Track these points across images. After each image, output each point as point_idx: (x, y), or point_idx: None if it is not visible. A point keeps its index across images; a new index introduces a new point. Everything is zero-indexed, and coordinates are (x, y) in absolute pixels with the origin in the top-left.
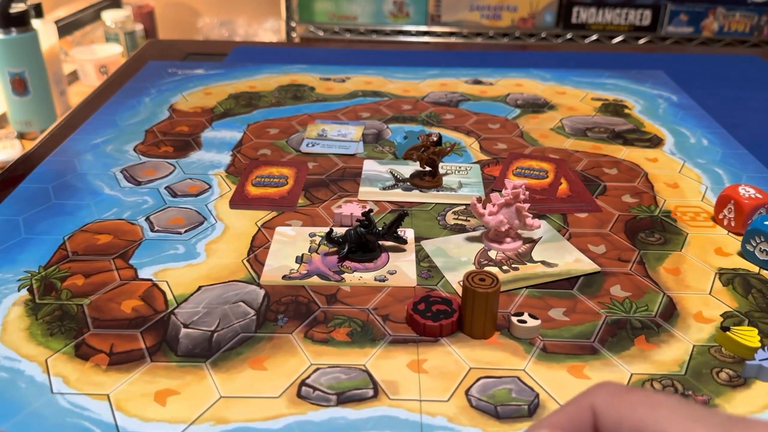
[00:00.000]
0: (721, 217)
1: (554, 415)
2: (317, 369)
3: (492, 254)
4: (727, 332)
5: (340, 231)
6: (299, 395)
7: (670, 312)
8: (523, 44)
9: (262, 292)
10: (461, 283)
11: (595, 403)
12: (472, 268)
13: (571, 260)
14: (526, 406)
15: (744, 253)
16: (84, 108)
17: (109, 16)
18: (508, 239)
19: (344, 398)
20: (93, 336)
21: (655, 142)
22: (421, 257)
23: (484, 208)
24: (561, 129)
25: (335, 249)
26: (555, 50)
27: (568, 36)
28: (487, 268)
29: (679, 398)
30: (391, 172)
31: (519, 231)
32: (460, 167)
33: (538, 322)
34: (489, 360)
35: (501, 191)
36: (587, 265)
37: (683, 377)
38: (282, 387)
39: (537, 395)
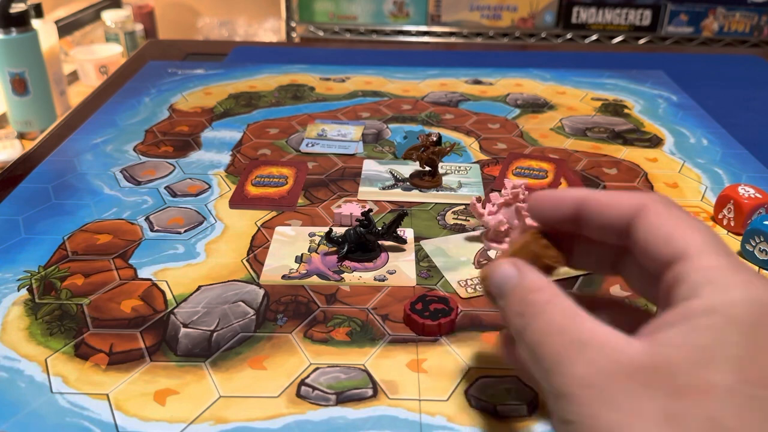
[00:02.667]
0: (720, 217)
1: (596, 192)
2: (317, 368)
3: (492, 254)
4: None
5: (339, 231)
6: (298, 395)
7: None
8: (523, 44)
9: (261, 291)
10: (466, 289)
11: (646, 203)
12: (472, 268)
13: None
14: (526, 405)
15: (743, 253)
16: (84, 108)
17: (109, 16)
18: (508, 239)
19: (343, 398)
20: (93, 336)
21: (655, 142)
22: (421, 257)
23: (484, 208)
24: (561, 129)
25: (335, 249)
26: (555, 50)
27: (568, 36)
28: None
29: (715, 233)
30: (391, 172)
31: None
32: (459, 167)
33: None
34: (488, 359)
35: (501, 191)
36: None
37: None
38: (281, 386)
39: (536, 395)
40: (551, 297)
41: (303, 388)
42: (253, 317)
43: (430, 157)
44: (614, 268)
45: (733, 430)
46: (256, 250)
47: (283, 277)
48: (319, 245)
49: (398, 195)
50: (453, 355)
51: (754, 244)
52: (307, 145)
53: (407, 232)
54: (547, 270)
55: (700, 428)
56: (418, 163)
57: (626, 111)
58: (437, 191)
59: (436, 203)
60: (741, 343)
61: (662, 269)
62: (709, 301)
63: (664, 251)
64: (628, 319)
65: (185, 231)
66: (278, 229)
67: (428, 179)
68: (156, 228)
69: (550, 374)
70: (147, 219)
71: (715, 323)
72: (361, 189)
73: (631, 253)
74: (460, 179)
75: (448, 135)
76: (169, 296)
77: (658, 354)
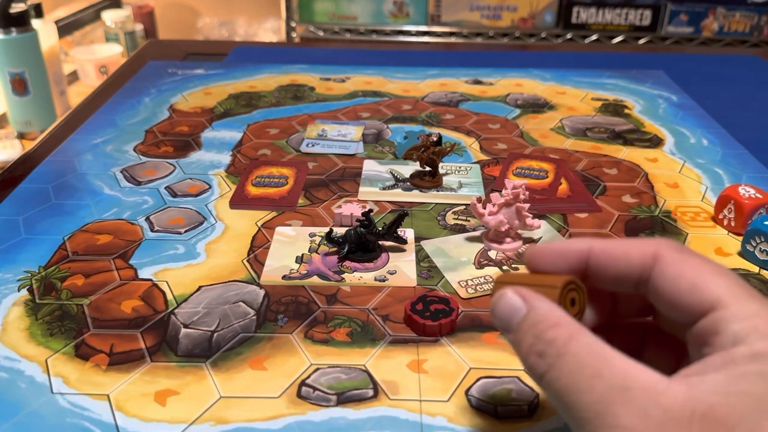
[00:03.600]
0: (721, 217)
1: (602, 241)
2: (317, 369)
3: (492, 254)
4: None
5: (340, 231)
6: (299, 395)
7: None
8: (523, 44)
9: (262, 292)
10: (467, 289)
11: (660, 252)
12: (472, 268)
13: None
14: (526, 406)
15: (744, 254)
16: (84, 108)
17: (109, 16)
18: (508, 239)
19: (344, 398)
20: (93, 336)
21: (655, 142)
22: (421, 257)
23: (484, 208)
24: (561, 129)
25: (335, 249)
26: (555, 50)
27: (568, 36)
28: (487, 269)
29: (737, 276)
30: (391, 172)
31: (519, 231)
32: (460, 167)
33: None
34: (489, 360)
35: (501, 191)
36: None
37: None
38: (282, 387)
39: (537, 395)
40: (573, 333)
41: (304, 388)
42: (254, 318)
43: (430, 157)
44: (640, 313)
45: None
46: (257, 250)
47: (284, 277)
48: (319, 245)
49: (398, 195)
50: (453, 356)
51: (754, 245)
52: (307, 145)
53: (408, 233)
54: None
55: None
56: (418, 163)
57: (626, 111)
58: (437, 191)
59: (436, 203)
60: None
61: (692, 319)
62: (757, 348)
63: (691, 302)
64: (632, 338)
65: (185, 231)
66: (278, 229)
67: (428, 179)
68: (156, 228)
69: (589, 424)
70: (147, 219)
71: (766, 370)
72: (361, 189)
73: (651, 300)
74: (461, 179)
75: (449, 135)
76: (169, 296)
77: (707, 401)
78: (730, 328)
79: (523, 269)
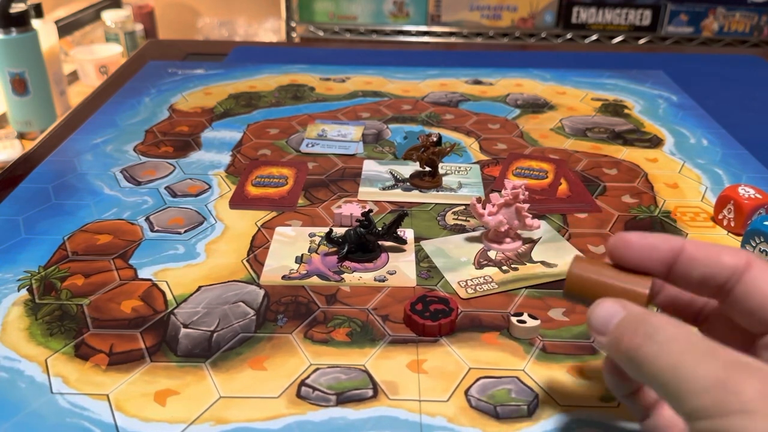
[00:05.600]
0: (720, 217)
1: (694, 243)
2: (317, 369)
3: (492, 254)
4: None
5: (339, 231)
6: (299, 395)
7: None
8: (523, 44)
9: (261, 292)
10: (467, 289)
11: (752, 261)
12: (472, 268)
13: (571, 260)
14: (526, 406)
15: None
16: (84, 108)
17: (109, 16)
18: (508, 239)
19: (344, 398)
20: (93, 336)
21: (655, 142)
22: (421, 257)
23: (484, 209)
24: (561, 129)
25: (335, 249)
26: (555, 50)
27: (568, 36)
28: (487, 269)
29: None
30: (391, 173)
31: (519, 231)
32: (459, 167)
33: (537, 323)
34: (488, 360)
35: (500, 191)
36: None
37: None
38: (281, 387)
39: (536, 395)
40: (675, 322)
41: (303, 388)
42: (254, 318)
43: (430, 157)
44: (696, 318)
45: None
46: (257, 250)
47: (284, 277)
48: (319, 246)
49: (398, 195)
50: (453, 356)
51: (754, 245)
52: (307, 145)
53: (407, 233)
54: None
55: None
56: (418, 163)
57: (626, 111)
58: (437, 192)
59: (436, 204)
60: None
61: None
62: None
63: (760, 314)
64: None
65: (185, 231)
66: (278, 229)
67: (428, 179)
68: (156, 228)
69: (707, 393)
70: (147, 219)
71: None
72: (361, 189)
73: (725, 307)
74: (460, 179)
75: (448, 135)
76: (169, 296)
77: None
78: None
79: (522, 270)
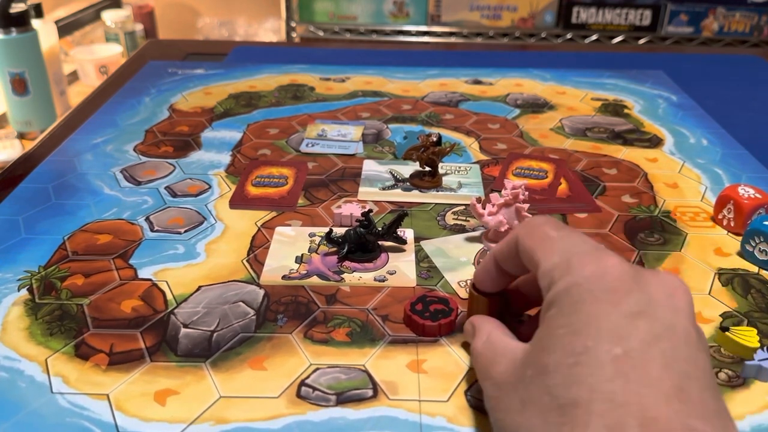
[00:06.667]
0: (720, 217)
1: (499, 244)
2: (317, 369)
3: None
4: (726, 332)
5: (339, 231)
6: (299, 395)
7: None
8: (523, 44)
9: (261, 292)
10: (466, 289)
11: (517, 233)
12: (472, 268)
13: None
14: None
15: (743, 254)
16: (84, 108)
17: (109, 16)
18: None
19: (344, 398)
20: (93, 336)
21: (655, 142)
22: (421, 257)
23: (484, 209)
24: (561, 129)
25: (335, 249)
26: (555, 50)
27: (568, 36)
28: None
29: (567, 232)
30: (391, 172)
31: None
32: (459, 167)
33: None
34: None
35: (500, 191)
36: None
37: None
38: (281, 387)
39: None
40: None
41: (303, 388)
42: (254, 317)
43: (430, 157)
44: None
45: (571, 398)
46: (257, 250)
47: (283, 277)
48: (319, 245)
49: (398, 195)
50: (453, 356)
51: (754, 245)
52: (307, 145)
53: (407, 233)
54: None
55: (545, 404)
56: (418, 163)
57: (626, 111)
58: (437, 191)
59: (436, 203)
60: (565, 325)
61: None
62: (548, 297)
63: (531, 267)
64: None
65: (185, 231)
66: (278, 229)
67: (428, 179)
68: (156, 228)
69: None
70: (147, 219)
71: (551, 315)
72: (361, 189)
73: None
74: (460, 179)
75: (448, 135)
76: (169, 296)
77: (525, 352)
78: (542, 284)
79: None
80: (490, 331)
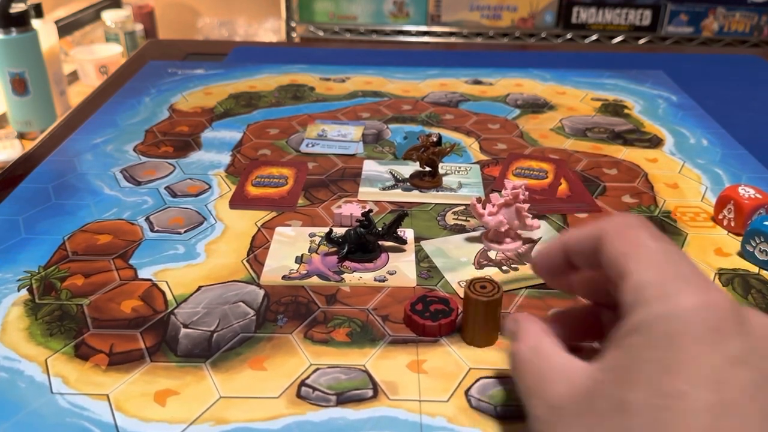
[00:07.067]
0: (720, 217)
1: (575, 231)
2: (317, 369)
3: (492, 254)
4: None
5: (339, 231)
6: (299, 395)
7: None
8: (523, 44)
9: (261, 292)
10: (462, 286)
11: (605, 229)
12: (472, 268)
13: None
14: None
15: (744, 254)
16: (84, 108)
17: (109, 16)
18: (508, 239)
19: (344, 398)
20: (93, 336)
21: (655, 142)
22: (421, 257)
23: (484, 209)
24: (561, 129)
25: (335, 249)
26: (555, 50)
27: (568, 36)
28: (487, 269)
29: (665, 246)
30: (391, 173)
31: (519, 231)
32: (459, 167)
33: None
34: (489, 360)
35: (501, 191)
36: None
37: None
38: (281, 387)
39: None
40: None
41: (303, 388)
42: (254, 318)
43: (430, 157)
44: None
45: None
46: (257, 250)
47: (284, 277)
48: (319, 246)
49: (398, 195)
50: (453, 356)
51: (754, 245)
52: (307, 145)
53: (407, 233)
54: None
55: None
56: (418, 163)
57: (626, 111)
58: (437, 192)
59: (436, 204)
60: (655, 360)
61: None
62: (634, 319)
63: (612, 272)
64: None
65: (185, 231)
66: (278, 229)
67: (428, 180)
68: (156, 228)
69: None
70: (147, 219)
71: (637, 343)
72: (361, 189)
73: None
74: (461, 180)
75: (448, 135)
76: (169, 296)
77: (595, 377)
78: (626, 299)
79: (522, 270)
80: (539, 338)
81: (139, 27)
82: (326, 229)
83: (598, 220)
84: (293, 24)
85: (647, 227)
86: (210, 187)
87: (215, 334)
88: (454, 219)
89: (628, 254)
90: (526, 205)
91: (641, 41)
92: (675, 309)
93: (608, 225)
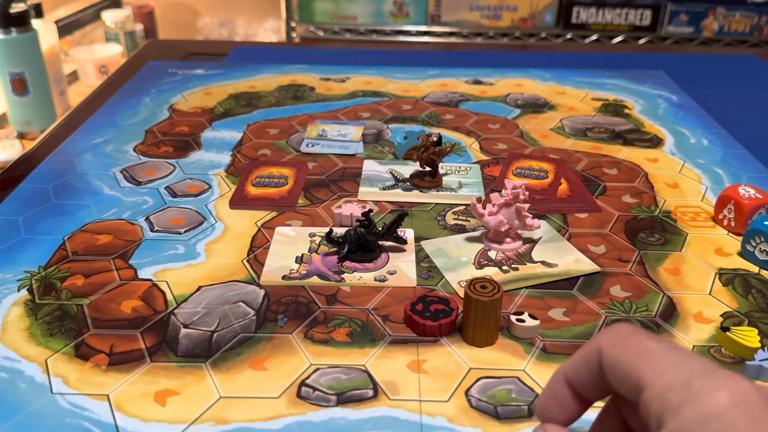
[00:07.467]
0: (721, 217)
1: (570, 360)
2: (317, 369)
3: (492, 254)
4: (727, 332)
5: (339, 231)
6: (299, 395)
7: (670, 312)
8: (523, 44)
9: (261, 292)
10: (463, 286)
11: (600, 345)
12: (472, 268)
13: (571, 260)
14: (526, 406)
15: (744, 254)
16: (84, 108)
17: (109, 16)
18: (508, 239)
19: (344, 398)
20: (93, 336)
21: (655, 142)
22: (421, 257)
23: (484, 209)
24: (561, 129)
25: (335, 249)
26: (555, 50)
27: (568, 36)
28: (487, 269)
29: (669, 345)
30: (391, 172)
31: (519, 231)
32: (460, 167)
33: (537, 323)
34: (489, 360)
35: (501, 191)
36: (587, 266)
37: None
38: (282, 387)
39: (537, 395)
40: None
41: (303, 388)
42: (254, 318)
43: (430, 157)
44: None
45: None
46: (257, 250)
47: (284, 277)
48: (319, 246)
49: (398, 195)
50: (453, 356)
51: (754, 245)
52: (307, 145)
53: (407, 233)
54: None
55: None
56: (418, 163)
57: (626, 111)
58: (437, 191)
59: (436, 203)
60: None
61: (637, 405)
62: (671, 428)
63: (628, 388)
64: None
65: (185, 231)
66: (278, 229)
67: (428, 179)
68: (156, 228)
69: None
70: (147, 219)
71: None
72: (361, 189)
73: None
74: (461, 179)
75: (449, 135)
76: (169, 297)
77: None
78: (651, 409)
79: (522, 270)
80: None
81: (139, 27)
82: (326, 229)
83: (587, 341)
84: (293, 24)
85: (639, 330)
86: (210, 187)
87: (215, 334)
88: (454, 219)
89: (636, 363)
90: (527, 205)
91: (641, 41)
92: (711, 410)
93: (602, 340)
